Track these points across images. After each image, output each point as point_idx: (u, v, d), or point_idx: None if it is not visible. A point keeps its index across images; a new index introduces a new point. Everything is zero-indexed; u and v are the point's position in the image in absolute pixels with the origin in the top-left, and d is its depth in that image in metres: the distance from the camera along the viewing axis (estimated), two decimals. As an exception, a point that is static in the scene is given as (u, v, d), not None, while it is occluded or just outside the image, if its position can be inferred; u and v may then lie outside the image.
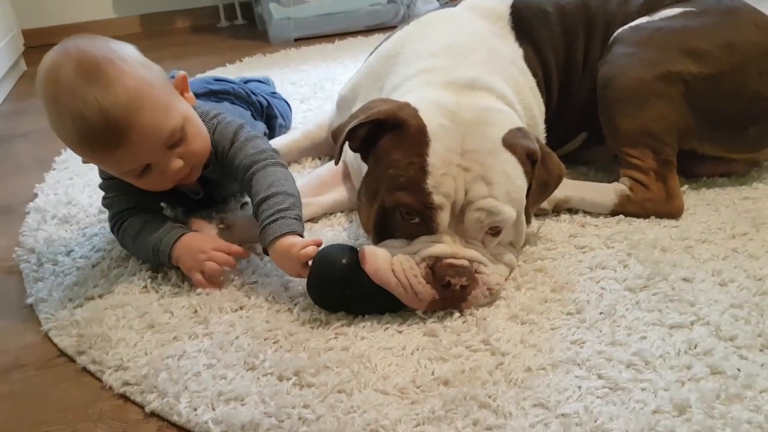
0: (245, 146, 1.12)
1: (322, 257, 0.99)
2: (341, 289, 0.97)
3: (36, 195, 1.48)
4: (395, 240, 0.99)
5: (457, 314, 0.97)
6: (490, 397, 0.82)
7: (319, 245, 1.00)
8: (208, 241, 1.08)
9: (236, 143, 1.13)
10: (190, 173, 1.10)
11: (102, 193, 1.19)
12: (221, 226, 1.16)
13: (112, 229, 1.15)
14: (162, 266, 1.12)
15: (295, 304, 1.02)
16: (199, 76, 2.03)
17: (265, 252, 1.05)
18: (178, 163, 1.05)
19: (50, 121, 1.02)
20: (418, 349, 0.91)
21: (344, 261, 0.97)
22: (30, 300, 1.09)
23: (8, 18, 2.66)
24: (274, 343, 0.93)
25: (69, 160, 1.67)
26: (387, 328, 0.95)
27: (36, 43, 3.08)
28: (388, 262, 0.96)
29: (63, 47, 0.99)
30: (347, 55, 2.55)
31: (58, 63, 0.98)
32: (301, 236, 1.02)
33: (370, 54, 1.41)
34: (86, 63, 0.97)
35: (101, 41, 1.03)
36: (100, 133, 0.96)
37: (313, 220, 1.27)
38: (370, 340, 0.93)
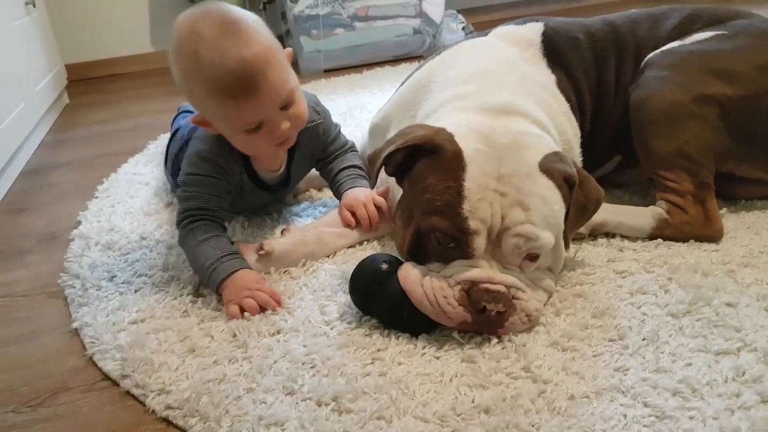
0: (339, 137, 1.41)
1: (367, 257, 1.06)
2: (370, 286, 1.01)
3: (79, 222, 1.52)
4: (432, 264, 1.00)
5: (495, 340, 0.96)
6: (533, 425, 0.80)
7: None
8: (255, 281, 1.10)
9: (338, 132, 1.41)
10: (289, 139, 1.19)
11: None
12: (261, 252, 1.18)
13: (179, 222, 1.18)
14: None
15: (332, 328, 1.02)
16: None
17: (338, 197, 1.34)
18: (286, 124, 1.14)
19: (185, 74, 1.11)
20: (456, 376, 0.90)
21: (384, 264, 1.02)
22: (75, 324, 1.12)
23: (53, 54, 2.78)
24: (311, 367, 0.93)
25: (110, 188, 1.72)
26: (424, 354, 0.95)
27: (77, 77, 3.22)
28: (419, 276, 0.97)
29: (201, 9, 1.10)
30: (375, 84, 2.59)
31: (199, 21, 1.08)
32: None
33: (402, 83, 1.43)
34: (226, 21, 1.08)
35: (233, 6, 1.13)
36: (239, 80, 1.06)
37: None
38: (407, 365, 0.93)
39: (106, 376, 0.99)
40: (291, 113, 1.15)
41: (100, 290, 1.19)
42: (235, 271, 1.11)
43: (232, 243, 1.18)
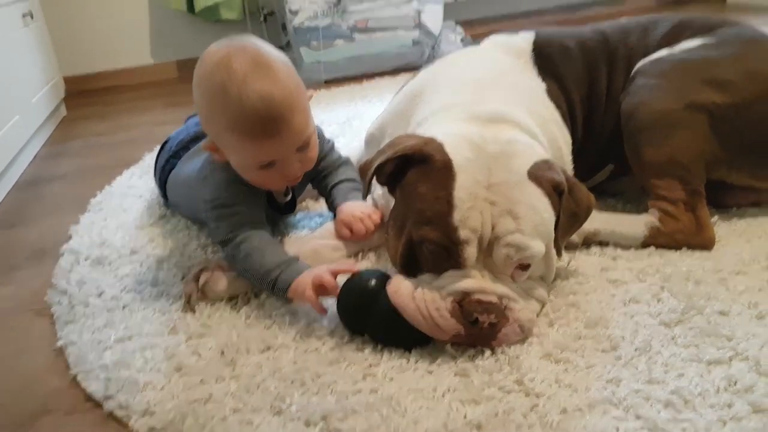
0: (331, 153, 1.40)
1: (355, 274, 1.04)
2: (360, 305, 0.99)
3: (70, 237, 1.51)
4: (423, 275, 0.99)
5: (488, 353, 0.95)
6: (524, 441, 0.79)
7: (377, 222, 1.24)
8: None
9: (330, 148, 1.40)
10: (297, 178, 1.20)
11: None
12: None
13: (227, 236, 1.15)
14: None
15: (323, 343, 1.01)
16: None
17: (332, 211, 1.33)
18: (297, 166, 1.16)
19: (208, 103, 1.11)
20: (449, 391, 0.89)
21: (373, 281, 1.00)
22: (60, 343, 1.10)
23: (51, 66, 2.78)
24: (301, 385, 0.92)
25: (103, 201, 1.71)
26: (416, 369, 0.94)
27: (76, 89, 3.23)
28: (410, 289, 0.96)
29: (237, 42, 1.11)
30: (374, 95, 2.59)
31: (233, 54, 1.08)
32: None
33: (397, 93, 1.43)
34: (260, 60, 1.08)
35: (268, 46, 1.13)
36: (262, 122, 1.06)
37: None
38: (399, 381, 0.91)
39: (90, 397, 0.97)
40: (302, 156, 1.17)
41: (88, 307, 1.18)
42: (303, 272, 1.09)
43: None
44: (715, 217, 1.28)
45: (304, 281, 1.06)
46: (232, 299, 1.16)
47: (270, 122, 1.07)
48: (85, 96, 3.24)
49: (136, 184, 1.82)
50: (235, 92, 1.05)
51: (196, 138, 1.46)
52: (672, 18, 1.39)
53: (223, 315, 1.11)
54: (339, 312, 1.03)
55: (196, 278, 1.16)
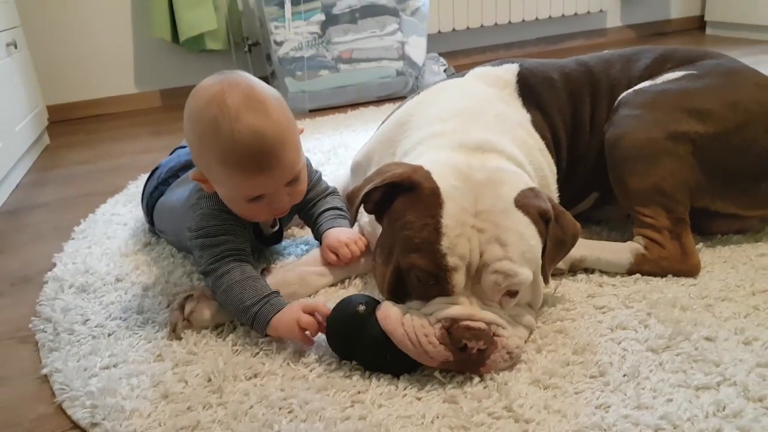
0: (319, 184, 1.41)
1: (344, 299, 1.03)
2: (350, 330, 0.99)
3: (54, 264, 1.49)
4: (412, 302, 0.99)
5: (477, 379, 0.95)
6: (514, 466, 0.79)
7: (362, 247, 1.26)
8: (300, 305, 1.08)
9: (317, 179, 1.41)
10: (285, 210, 1.21)
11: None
12: None
13: (210, 266, 1.14)
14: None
15: (311, 370, 1.00)
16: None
17: (319, 240, 1.33)
18: (285, 199, 1.17)
19: (199, 136, 1.11)
20: (438, 417, 0.88)
21: (361, 306, 1.00)
22: (44, 370, 1.08)
23: (35, 94, 2.77)
24: (289, 412, 0.91)
25: (87, 229, 1.69)
26: (405, 395, 0.93)
27: (59, 118, 3.21)
28: (399, 315, 0.96)
29: (231, 78, 1.11)
30: (359, 124, 2.62)
31: (226, 89, 1.08)
32: None
33: (383, 122, 1.45)
34: (253, 97, 1.09)
35: (259, 82, 1.14)
36: (254, 157, 1.07)
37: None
38: (388, 407, 0.91)
39: (76, 425, 0.95)
40: (291, 190, 1.18)
41: (72, 334, 1.16)
42: (282, 308, 1.08)
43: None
44: (700, 245, 1.30)
45: (284, 319, 1.05)
46: (218, 327, 1.15)
47: (261, 157, 1.07)
48: (69, 124, 3.23)
49: (120, 212, 1.81)
50: (228, 127, 1.06)
51: (186, 166, 1.46)
52: (654, 50, 1.44)
53: (210, 342, 1.10)
54: (328, 337, 1.02)
55: (182, 306, 1.15)
